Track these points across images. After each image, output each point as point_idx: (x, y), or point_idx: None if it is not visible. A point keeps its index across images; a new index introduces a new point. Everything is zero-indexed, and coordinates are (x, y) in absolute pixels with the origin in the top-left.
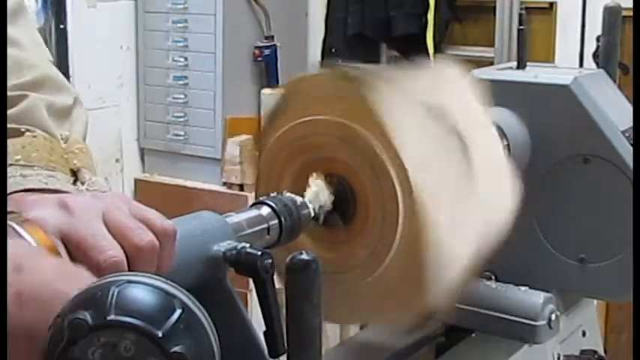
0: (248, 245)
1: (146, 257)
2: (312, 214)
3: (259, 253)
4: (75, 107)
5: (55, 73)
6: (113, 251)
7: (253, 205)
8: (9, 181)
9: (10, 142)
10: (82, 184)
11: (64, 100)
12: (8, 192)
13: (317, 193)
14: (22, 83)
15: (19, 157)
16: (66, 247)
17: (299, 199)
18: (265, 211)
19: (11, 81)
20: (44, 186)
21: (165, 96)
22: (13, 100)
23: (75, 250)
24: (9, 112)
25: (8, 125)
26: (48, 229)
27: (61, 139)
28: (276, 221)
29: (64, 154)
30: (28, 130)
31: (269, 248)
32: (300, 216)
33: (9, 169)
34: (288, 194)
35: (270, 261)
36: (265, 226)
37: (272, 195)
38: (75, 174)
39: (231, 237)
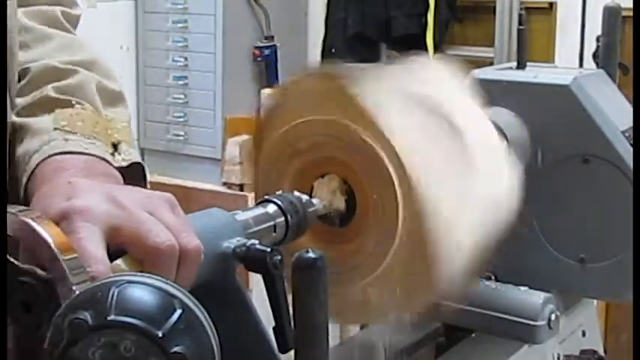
0: (257, 242)
1: (191, 260)
2: (323, 213)
3: (269, 249)
4: (122, 100)
5: (105, 62)
6: (168, 236)
7: (259, 203)
8: (52, 143)
9: (59, 110)
10: (119, 154)
11: (112, 85)
12: (51, 154)
13: (331, 194)
14: (71, 60)
15: (65, 123)
16: (114, 237)
17: (305, 197)
18: (272, 208)
19: (62, 57)
20: (84, 150)
21: (165, 96)
22: (63, 73)
23: (127, 240)
24: (59, 83)
25: (60, 96)
26: (93, 219)
27: (106, 118)
28: (282, 219)
29: (108, 129)
30: (78, 103)
31: (275, 246)
32: (307, 214)
33: (53, 134)
34: (295, 192)
35: (279, 257)
36: (272, 223)
37: (278, 193)
38: (115, 147)
39: (241, 234)
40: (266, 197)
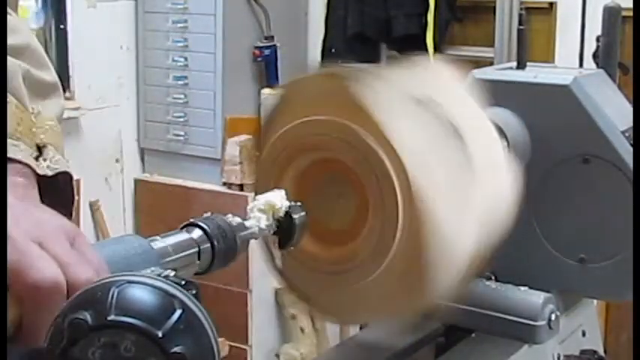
0: (172, 274)
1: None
2: (259, 236)
3: (183, 282)
4: (54, 91)
5: (38, 47)
6: (52, 270)
7: (184, 226)
8: None
9: None
10: (44, 160)
11: (42, 75)
12: None
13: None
14: None
15: None
16: None
17: (237, 220)
18: (197, 234)
19: None
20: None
21: (165, 96)
22: None
23: (9, 274)
24: None
25: None
26: None
27: (32, 113)
28: (208, 245)
29: (33, 127)
30: None
31: (203, 274)
32: (237, 238)
33: None
34: (228, 216)
35: (194, 292)
36: (195, 250)
37: (205, 216)
38: (40, 149)
39: (156, 263)
40: (191, 221)
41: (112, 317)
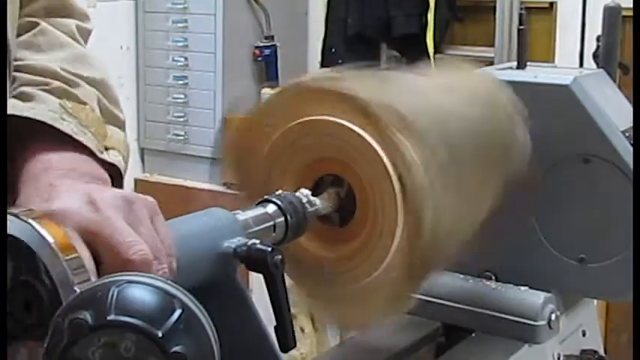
0: (258, 242)
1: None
2: (323, 213)
3: (269, 249)
4: (122, 127)
5: (112, 86)
6: (141, 246)
7: (259, 203)
8: (49, 112)
9: (68, 100)
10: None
11: (113, 109)
12: (40, 120)
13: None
14: (77, 74)
15: (71, 105)
16: (90, 243)
17: (305, 196)
18: (271, 209)
19: (69, 68)
20: (73, 134)
21: (165, 96)
22: (66, 81)
23: (102, 247)
24: (69, 88)
25: (71, 90)
26: (70, 223)
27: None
28: (282, 219)
29: (106, 135)
30: (86, 103)
31: (278, 245)
32: (306, 214)
33: (55, 105)
34: (297, 192)
35: (280, 257)
36: (271, 223)
37: (277, 193)
38: (106, 149)
39: (241, 233)
40: (265, 197)
41: (111, 317)
